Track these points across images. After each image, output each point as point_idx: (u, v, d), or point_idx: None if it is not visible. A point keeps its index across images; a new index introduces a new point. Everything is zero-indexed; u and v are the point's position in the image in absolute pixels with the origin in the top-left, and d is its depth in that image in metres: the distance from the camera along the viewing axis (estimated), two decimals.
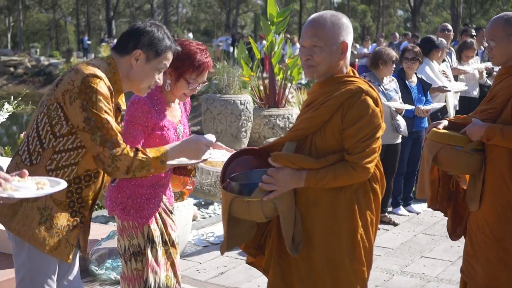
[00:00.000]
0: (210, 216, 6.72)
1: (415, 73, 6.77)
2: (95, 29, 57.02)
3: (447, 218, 3.69)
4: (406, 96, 6.46)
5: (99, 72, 2.75)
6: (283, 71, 9.31)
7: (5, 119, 4.96)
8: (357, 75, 2.92)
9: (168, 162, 2.88)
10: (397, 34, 21.27)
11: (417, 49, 6.66)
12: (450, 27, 8.95)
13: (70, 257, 2.90)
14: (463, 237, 3.59)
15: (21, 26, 46.79)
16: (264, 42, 21.97)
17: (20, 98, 5.09)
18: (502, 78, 3.42)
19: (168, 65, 2.94)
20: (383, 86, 6.20)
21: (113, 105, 2.83)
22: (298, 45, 19.08)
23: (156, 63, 2.87)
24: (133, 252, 3.24)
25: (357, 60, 19.46)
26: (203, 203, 7.24)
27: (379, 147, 2.83)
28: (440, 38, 7.70)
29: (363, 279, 2.92)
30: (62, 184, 2.45)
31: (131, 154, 2.75)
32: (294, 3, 43.69)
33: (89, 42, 33.81)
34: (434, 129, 3.41)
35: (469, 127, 3.34)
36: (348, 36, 2.82)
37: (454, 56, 8.49)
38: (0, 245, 4.63)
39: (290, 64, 9.28)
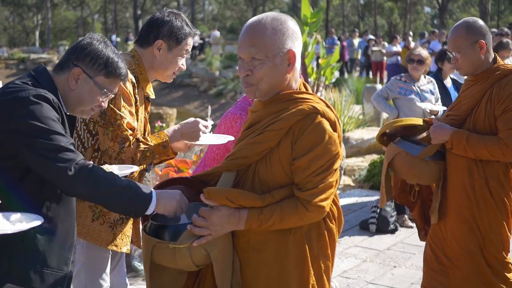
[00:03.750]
0: None
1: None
2: (122, 27, 57.48)
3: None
4: (445, 97, 6.38)
5: None
6: (316, 71, 9.35)
7: None
8: (309, 90, 2.41)
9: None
10: (426, 33, 21.18)
11: None
12: None
13: (128, 247, 3.02)
14: None
15: (49, 24, 47.41)
16: None
17: None
18: (469, 84, 3.29)
19: (190, 50, 3.03)
20: (418, 87, 6.18)
21: (137, 96, 2.91)
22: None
23: (178, 50, 2.98)
24: None
25: (385, 58, 19.39)
26: None
27: (337, 180, 2.32)
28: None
29: None
30: (134, 168, 2.67)
31: (133, 146, 2.84)
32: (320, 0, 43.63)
33: (117, 39, 34.10)
34: (391, 120, 3.38)
35: (434, 129, 3.21)
36: (295, 43, 2.31)
37: None
38: None
39: (323, 64, 9.34)
